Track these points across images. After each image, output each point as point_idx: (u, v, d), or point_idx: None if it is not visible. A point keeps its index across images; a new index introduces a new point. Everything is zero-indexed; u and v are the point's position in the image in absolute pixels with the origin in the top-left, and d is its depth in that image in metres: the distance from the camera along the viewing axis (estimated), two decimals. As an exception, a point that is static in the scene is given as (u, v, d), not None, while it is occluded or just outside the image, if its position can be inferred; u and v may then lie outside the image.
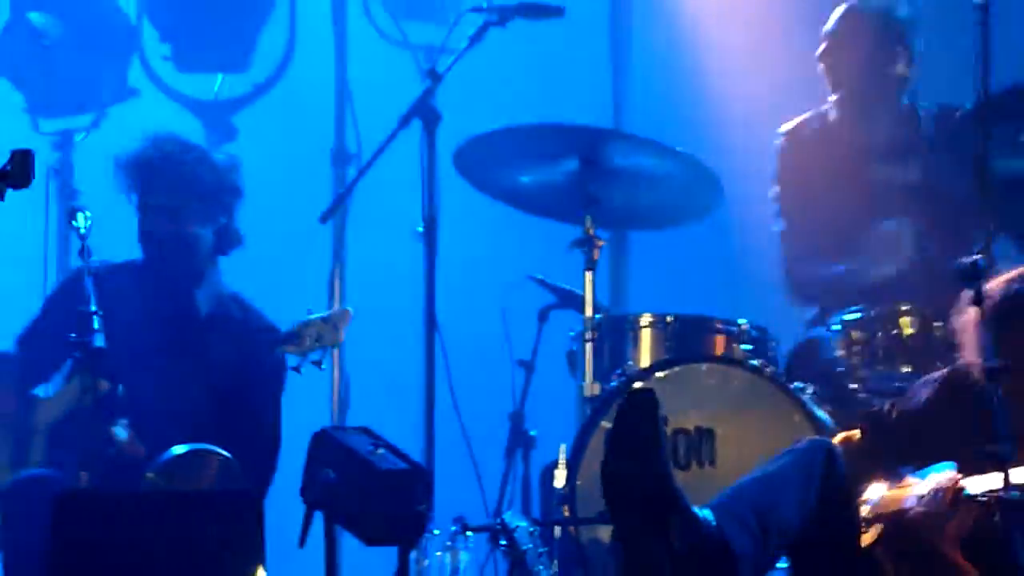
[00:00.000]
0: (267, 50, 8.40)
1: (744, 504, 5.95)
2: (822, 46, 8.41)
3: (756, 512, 5.98)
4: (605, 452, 5.94)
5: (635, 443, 5.40)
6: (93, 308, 6.93)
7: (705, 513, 5.76)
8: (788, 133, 8.40)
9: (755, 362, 7.30)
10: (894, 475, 6.37)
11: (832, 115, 8.40)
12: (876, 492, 6.31)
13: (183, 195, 7.28)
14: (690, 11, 8.91)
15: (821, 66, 8.41)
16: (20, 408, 7.40)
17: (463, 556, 7.03)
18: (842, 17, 8.30)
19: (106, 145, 8.05)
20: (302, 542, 6.55)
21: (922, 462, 6.24)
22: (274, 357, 7.40)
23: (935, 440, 6.39)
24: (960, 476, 6.06)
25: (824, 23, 8.41)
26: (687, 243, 8.15)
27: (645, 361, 7.36)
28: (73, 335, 6.99)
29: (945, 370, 6.57)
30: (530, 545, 6.73)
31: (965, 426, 6.18)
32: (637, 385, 7.09)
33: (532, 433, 7.51)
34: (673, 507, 6.03)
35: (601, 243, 7.63)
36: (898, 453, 6.40)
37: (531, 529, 6.84)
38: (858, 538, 6.32)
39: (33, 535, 6.75)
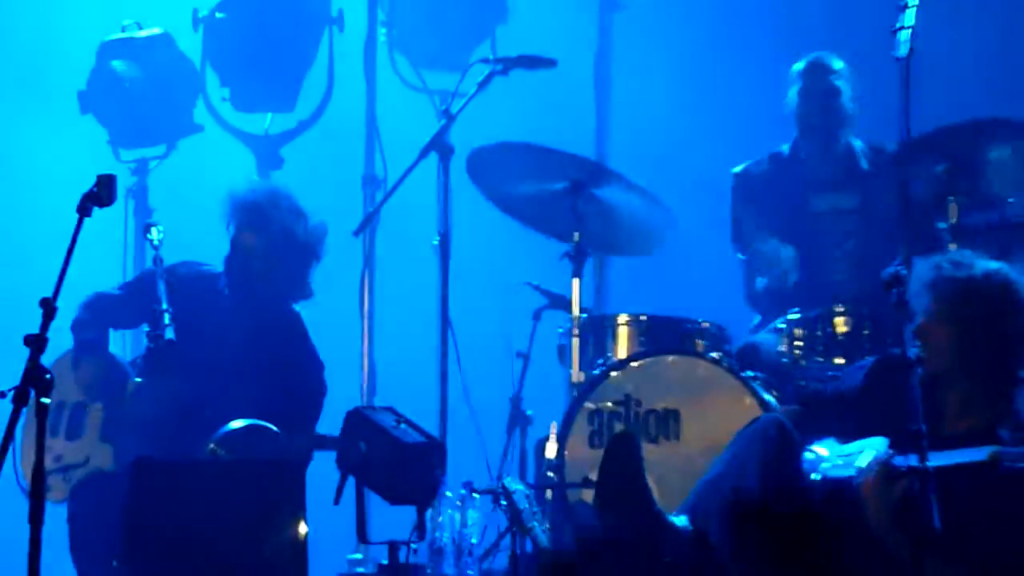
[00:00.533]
0: (309, 93, 8.40)
1: (713, 495, 5.95)
2: (790, 91, 8.30)
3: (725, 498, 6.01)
4: (597, 486, 6.00)
5: (622, 483, 5.52)
6: (165, 306, 6.91)
7: (682, 520, 5.89)
8: (738, 174, 8.31)
9: (714, 354, 7.32)
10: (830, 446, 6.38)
11: (785, 154, 8.28)
12: (823, 463, 6.46)
13: (277, 245, 7.27)
14: (661, 62, 8.67)
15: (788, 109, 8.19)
16: (115, 387, 7.29)
17: (470, 514, 6.93)
18: (805, 71, 8.16)
19: (175, 171, 8.44)
20: (337, 501, 6.59)
21: (852, 436, 6.25)
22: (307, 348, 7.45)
23: (861, 417, 6.41)
24: (892, 452, 5.92)
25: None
26: (657, 257, 8.07)
27: (622, 353, 7.36)
28: (148, 329, 7.07)
29: (871, 358, 6.65)
30: (526, 505, 6.65)
31: (888, 406, 6.19)
32: (619, 428, 7.08)
33: (528, 413, 7.51)
34: (659, 529, 6.09)
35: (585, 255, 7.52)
36: (829, 428, 6.40)
37: (527, 492, 6.74)
38: (811, 500, 6.22)
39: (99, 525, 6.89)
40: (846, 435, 6.41)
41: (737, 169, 8.29)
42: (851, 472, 6.11)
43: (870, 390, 6.64)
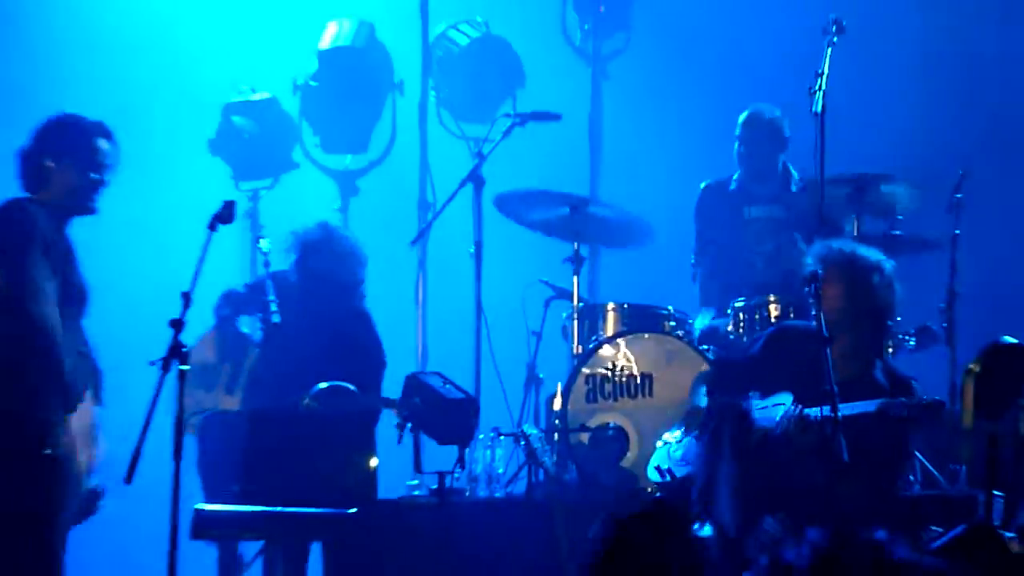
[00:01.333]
0: (378, 139, 8.43)
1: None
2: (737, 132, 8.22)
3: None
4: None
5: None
6: (272, 298, 7.05)
7: (706, 530, 5.83)
8: (704, 188, 8.22)
9: (679, 332, 7.39)
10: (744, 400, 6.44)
11: (732, 176, 8.11)
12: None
13: (329, 279, 7.23)
14: (638, 115, 8.68)
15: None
16: (239, 354, 7.43)
17: (498, 451, 7.20)
18: (745, 123, 8.03)
19: (279, 198, 8.44)
20: (399, 442, 6.71)
21: (757, 390, 6.36)
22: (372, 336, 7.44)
23: (760, 375, 6.43)
24: (800, 406, 6.07)
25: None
26: (637, 259, 8.22)
27: (610, 332, 7.40)
28: (260, 315, 7.21)
29: (768, 330, 6.73)
30: (539, 444, 6.93)
31: (782, 366, 6.33)
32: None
33: (540, 376, 7.50)
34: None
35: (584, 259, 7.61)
36: (739, 384, 6.45)
37: (539, 435, 7.07)
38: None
39: (222, 453, 6.92)
40: (753, 389, 6.45)
41: (704, 183, 8.22)
42: (771, 422, 6.22)
43: (766, 356, 6.54)
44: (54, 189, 5.63)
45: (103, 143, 5.70)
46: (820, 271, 6.15)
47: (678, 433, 6.79)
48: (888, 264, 6.31)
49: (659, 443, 6.83)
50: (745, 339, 7.30)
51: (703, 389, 6.71)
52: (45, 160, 5.63)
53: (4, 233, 5.53)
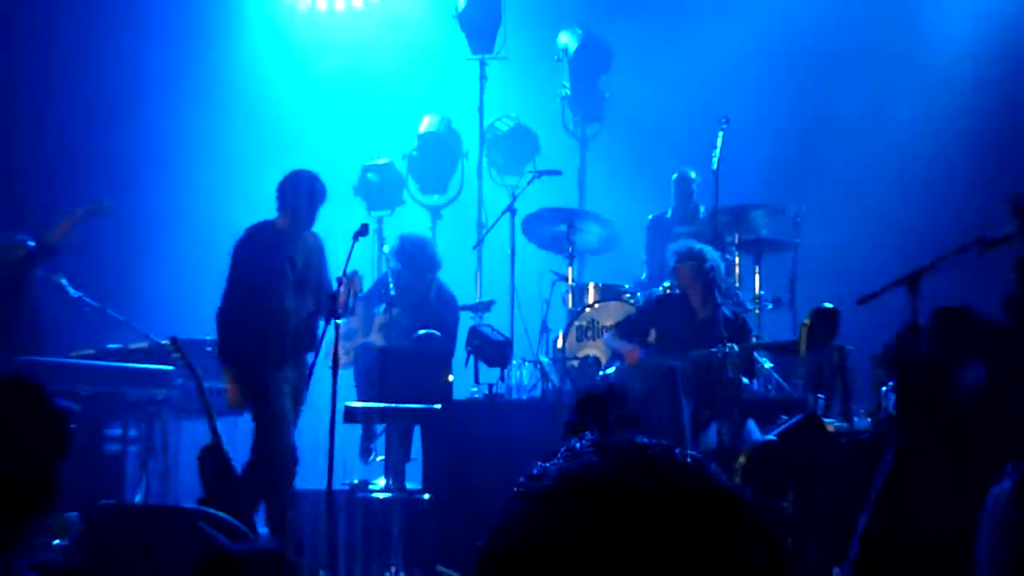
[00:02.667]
0: (452, 186, 8.38)
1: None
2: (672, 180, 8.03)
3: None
4: None
5: None
6: (390, 281, 7.02)
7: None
8: (652, 218, 8.06)
9: (631, 300, 7.22)
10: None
11: (669, 209, 8.00)
12: None
13: (416, 265, 7.08)
14: (611, 166, 8.64)
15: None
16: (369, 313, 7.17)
17: (524, 371, 7.43)
18: (676, 180, 7.93)
19: (395, 221, 8.29)
20: (466, 364, 6.85)
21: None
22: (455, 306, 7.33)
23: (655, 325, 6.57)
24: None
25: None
26: (607, 257, 8.15)
27: (591, 300, 7.28)
28: (382, 292, 7.10)
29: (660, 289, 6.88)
30: (549, 367, 7.10)
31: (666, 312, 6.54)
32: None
33: (550, 326, 7.43)
34: None
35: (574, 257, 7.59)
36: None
37: (549, 362, 7.18)
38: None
39: (364, 371, 6.83)
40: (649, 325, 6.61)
41: (651, 215, 8.09)
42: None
43: (653, 306, 6.70)
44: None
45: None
46: (681, 262, 6.38)
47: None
48: (715, 254, 6.48)
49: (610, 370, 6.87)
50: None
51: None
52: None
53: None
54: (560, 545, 0.94)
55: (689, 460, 0.99)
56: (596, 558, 0.93)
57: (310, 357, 5.83)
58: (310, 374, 5.73)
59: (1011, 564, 1.79)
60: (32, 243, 6.54)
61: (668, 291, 6.96)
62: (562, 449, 1.02)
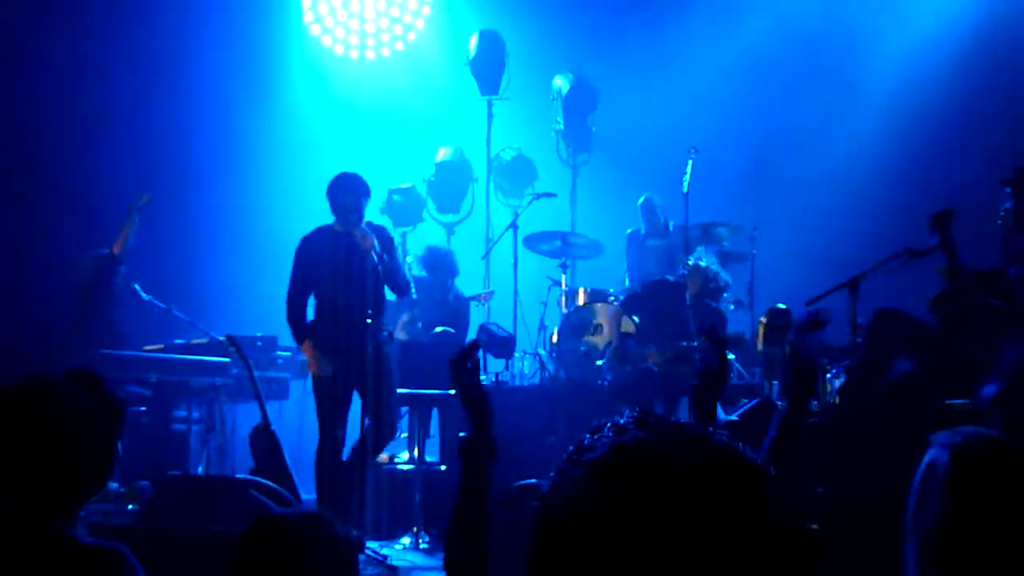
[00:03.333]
0: (466, 204, 8.30)
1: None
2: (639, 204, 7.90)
3: None
4: None
5: None
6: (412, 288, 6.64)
7: None
8: (630, 232, 7.90)
9: (615, 302, 7.01)
10: None
11: (642, 225, 7.86)
12: None
13: (439, 271, 7.04)
14: (599, 189, 8.57)
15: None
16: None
17: (525, 362, 7.39)
18: (641, 204, 7.83)
19: (417, 236, 8.21)
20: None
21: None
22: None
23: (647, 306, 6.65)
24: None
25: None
26: (595, 264, 8.06)
27: (581, 302, 7.10)
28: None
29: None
30: (546, 359, 7.03)
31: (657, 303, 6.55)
32: None
33: (547, 324, 7.33)
34: None
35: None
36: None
37: (545, 354, 7.08)
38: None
39: None
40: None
41: (629, 230, 7.96)
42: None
43: (648, 295, 6.67)
44: None
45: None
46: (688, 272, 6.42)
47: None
48: (717, 267, 6.56)
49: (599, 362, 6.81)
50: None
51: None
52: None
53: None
54: (609, 509, 0.93)
55: (721, 438, 0.98)
56: (639, 522, 0.92)
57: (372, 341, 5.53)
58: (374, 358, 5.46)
59: (940, 530, 1.74)
60: (104, 253, 6.58)
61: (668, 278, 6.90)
62: (608, 424, 1.00)
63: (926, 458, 1.81)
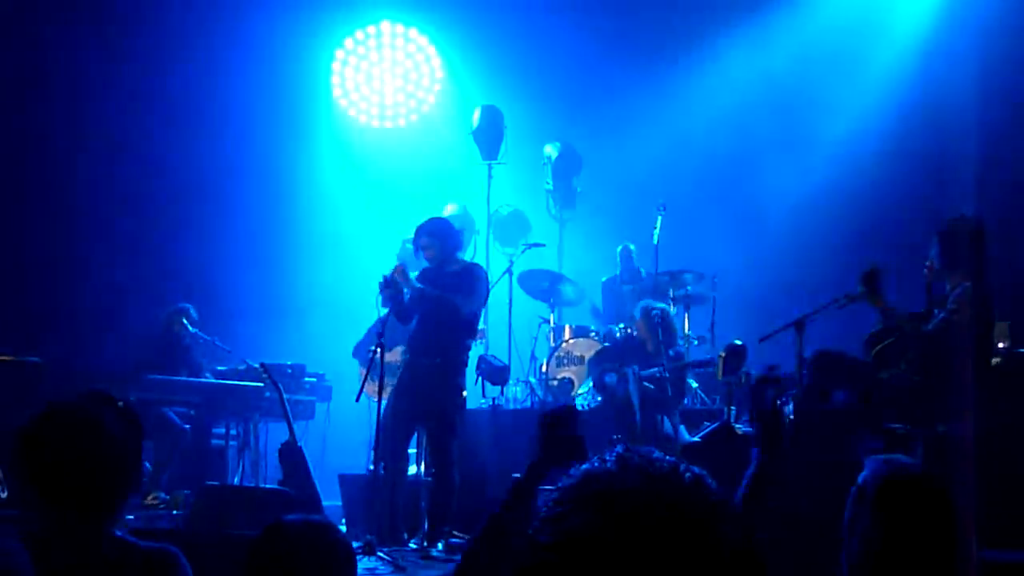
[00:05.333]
0: (468, 253, 7.59)
1: None
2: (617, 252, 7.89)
3: None
4: None
5: None
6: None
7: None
8: (606, 279, 7.98)
9: (596, 338, 7.20)
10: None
11: (618, 272, 7.89)
12: None
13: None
14: (583, 238, 8.45)
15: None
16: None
17: (518, 388, 7.21)
18: (620, 253, 7.74)
19: None
20: (476, 382, 6.32)
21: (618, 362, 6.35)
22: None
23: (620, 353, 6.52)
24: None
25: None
26: (579, 308, 8.01)
27: (567, 337, 7.23)
28: None
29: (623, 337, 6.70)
30: (536, 386, 7.02)
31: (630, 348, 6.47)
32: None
33: (537, 356, 7.34)
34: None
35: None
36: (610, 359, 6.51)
37: (536, 382, 7.09)
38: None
39: None
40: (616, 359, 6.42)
41: (604, 277, 7.99)
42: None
43: (619, 344, 6.56)
44: None
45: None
46: (644, 314, 6.32)
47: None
48: (663, 307, 6.38)
49: (582, 389, 6.91)
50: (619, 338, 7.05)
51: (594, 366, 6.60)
52: None
53: None
54: (569, 532, 0.90)
55: (688, 476, 0.93)
56: (595, 550, 0.88)
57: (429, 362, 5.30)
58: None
59: (873, 545, 1.74)
60: (181, 307, 6.79)
61: (627, 332, 6.84)
62: (595, 457, 0.97)
63: (858, 481, 1.82)
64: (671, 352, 6.29)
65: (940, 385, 4.41)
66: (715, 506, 0.92)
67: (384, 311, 5.21)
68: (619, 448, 0.96)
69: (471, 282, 5.31)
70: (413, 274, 5.38)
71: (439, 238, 5.41)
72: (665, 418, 5.98)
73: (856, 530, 1.75)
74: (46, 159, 7.49)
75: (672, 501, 0.90)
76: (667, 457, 0.96)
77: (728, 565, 0.88)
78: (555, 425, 2.07)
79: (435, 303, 5.24)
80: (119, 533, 1.80)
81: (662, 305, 6.51)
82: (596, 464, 0.94)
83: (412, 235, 8.12)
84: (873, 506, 1.73)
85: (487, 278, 5.54)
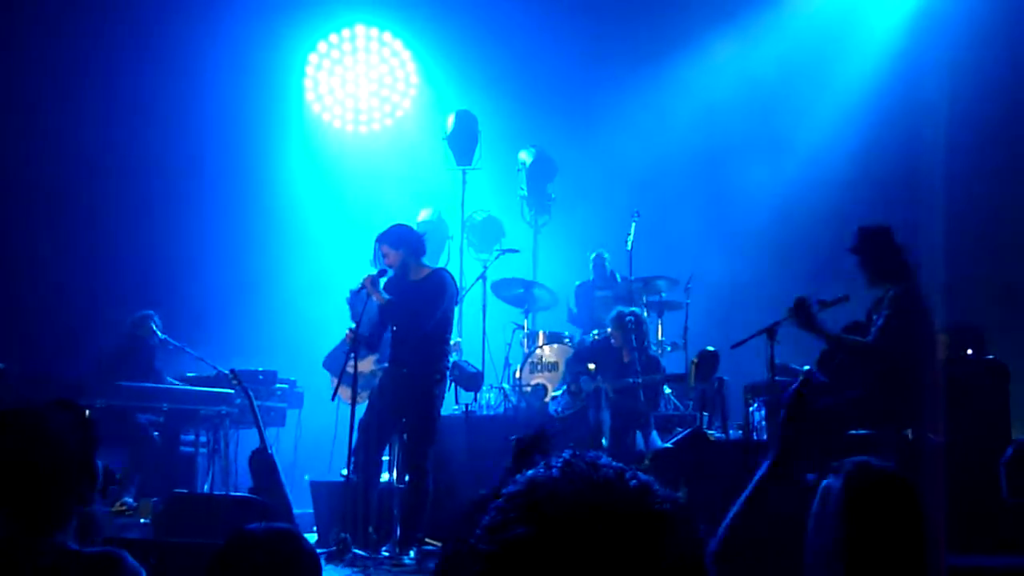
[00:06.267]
0: (443, 258, 7.92)
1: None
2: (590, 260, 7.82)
3: None
4: None
5: None
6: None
7: None
8: (579, 283, 7.80)
9: (570, 344, 7.11)
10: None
11: (592, 278, 7.74)
12: None
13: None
14: (557, 244, 8.47)
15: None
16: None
17: (492, 394, 7.18)
18: (594, 260, 7.65)
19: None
20: (448, 388, 6.03)
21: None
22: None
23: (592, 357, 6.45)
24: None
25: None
26: (553, 313, 7.95)
27: (540, 343, 7.19)
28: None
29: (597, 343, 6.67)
30: (510, 392, 6.99)
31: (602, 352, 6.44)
32: None
33: (511, 362, 7.30)
34: None
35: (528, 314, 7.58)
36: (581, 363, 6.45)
37: (509, 388, 7.05)
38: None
39: None
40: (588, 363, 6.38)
41: (578, 282, 7.86)
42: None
43: (591, 349, 6.47)
44: None
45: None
46: (617, 321, 6.30)
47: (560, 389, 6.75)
48: (638, 311, 6.37)
49: (555, 393, 6.84)
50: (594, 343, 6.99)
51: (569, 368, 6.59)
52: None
53: None
54: (506, 540, 0.88)
55: (633, 483, 0.91)
56: (529, 557, 0.86)
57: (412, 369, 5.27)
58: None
59: (835, 550, 1.73)
60: (144, 313, 6.64)
61: (600, 338, 6.80)
62: (541, 463, 0.95)
63: (822, 484, 1.81)
64: (643, 358, 6.29)
65: (899, 392, 4.45)
66: (660, 513, 0.89)
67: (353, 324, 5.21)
68: (566, 454, 0.95)
69: (434, 290, 5.25)
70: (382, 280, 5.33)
71: (397, 245, 5.34)
72: (639, 433, 5.98)
73: (822, 536, 1.75)
74: (7, 164, 7.35)
75: (614, 508, 0.88)
76: (613, 463, 0.93)
77: (671, 573, 0.86)
78: (528, 451, 2.07)
79: (401, 313, 5.21)
80: (70, 543, 1.76)
81: (634, 309, 6.52)
82: (542, 471, 0.93)
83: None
84: (839, 508, 1.72)
85: (454, 282, 5.48)
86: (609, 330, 6.45)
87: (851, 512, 1.71)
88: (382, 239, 5.37)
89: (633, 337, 6.25)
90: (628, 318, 6.30)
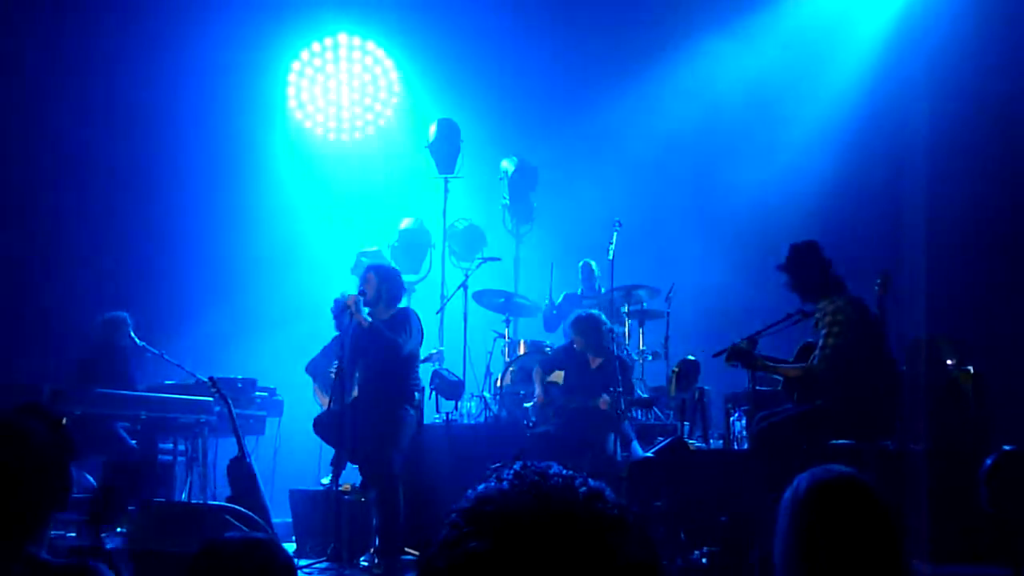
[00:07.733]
0: (424, 266, 8.01)
1: None
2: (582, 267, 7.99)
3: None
4: None
5: None
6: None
7: None
8: (565, 295, 7.83)
9: (549, 350, 6.95)
10: None
11: (580, 288, 7.84)
12: None
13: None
14: (538, 253, 8.40)
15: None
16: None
17: (472, 403, 7.12)
18: (582, 268, 7.74)
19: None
20: (429, 397, 6.30)
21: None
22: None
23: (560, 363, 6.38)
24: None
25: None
26: (533, 321, 7.94)
27: (522, 352, 7.12)
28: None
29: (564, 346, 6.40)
30: (491, 401, 6.89)
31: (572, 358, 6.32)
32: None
33: (492, 370, 7.30)
34: None
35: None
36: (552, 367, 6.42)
37: (490, 397, 6.96)
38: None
39: None
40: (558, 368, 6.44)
41: (563, 293, 7.86)
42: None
43: (562, 354, 6.39)
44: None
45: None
46: (575, 326, 6.15)
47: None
48: (603, 317, 6.31)
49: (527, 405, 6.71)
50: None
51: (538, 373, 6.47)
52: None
53: None
54: (453, 556, 0.88)
55: (583, 490, 0.90)
56: (494, 569, 0.86)
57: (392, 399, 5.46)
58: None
59: (798, 552, 1.73)
60: (116, 316, 6.55)
61: (564, 344, 6.76)
62: (494, 474, 0.96)
63: (788, 490, 1.82)
64: (616, 361, 6.22)
65: (859, 404, 4.48)
66: (610, 519, 0.89)
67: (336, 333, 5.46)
68: (516, 466, 0.94)
69: (404, 323, 5.38)
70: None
71: (384, 282, 5.48)
72: (616, 439, 5.90)
73: (789, 535, 1.75)
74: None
75: (563, 517, 0.87)
76: (563, 472, 0.93)
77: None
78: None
79: (376, 339, 5.30)
80: (43, 554, 1.70)
81: (592, 311, 6.45)
82: (492, 483, 0.93)
83: (367, 248, 8.09)
84: (806, 510, 1.72)
85: (419, 321, 5.59)
86: (573, 338, 6.41)
87: (809, 513, 1.72)
88: (375, 269, 5.59)
89: (598, 340, 6.19)
90: (587, 321, 6.24)
